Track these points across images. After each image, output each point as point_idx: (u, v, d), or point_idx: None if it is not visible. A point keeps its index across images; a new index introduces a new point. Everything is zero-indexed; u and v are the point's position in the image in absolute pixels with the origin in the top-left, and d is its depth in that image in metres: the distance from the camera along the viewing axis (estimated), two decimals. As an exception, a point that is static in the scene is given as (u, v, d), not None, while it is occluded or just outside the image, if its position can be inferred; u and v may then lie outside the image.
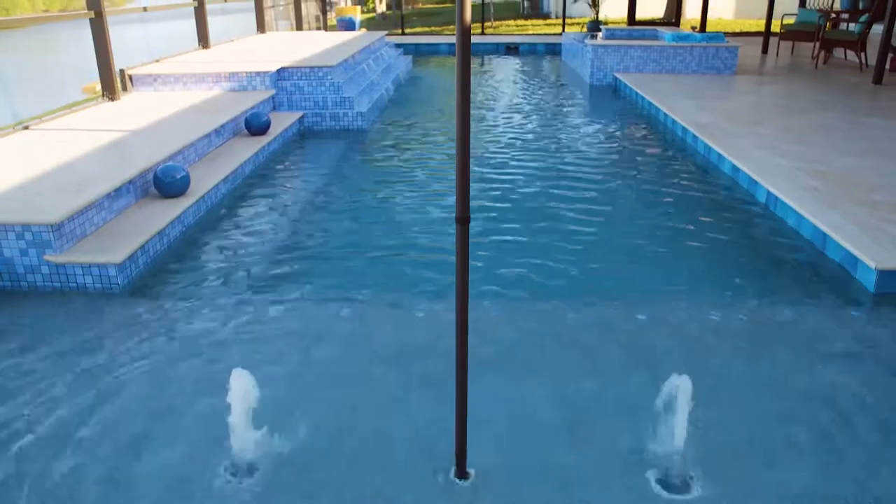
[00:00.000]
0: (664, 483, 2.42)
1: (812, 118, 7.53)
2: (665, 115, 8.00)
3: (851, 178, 5.29)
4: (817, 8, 13.21)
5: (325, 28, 17.95)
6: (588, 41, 11.65)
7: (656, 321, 3.56)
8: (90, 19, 6.92)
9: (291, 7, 15.55)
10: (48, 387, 2.97)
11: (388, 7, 29.78)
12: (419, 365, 3.16)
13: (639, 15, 15.87)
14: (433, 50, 16.05)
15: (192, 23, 10.09)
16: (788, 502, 2.34)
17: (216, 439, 2.62)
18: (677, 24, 17.01)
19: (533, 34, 18.97)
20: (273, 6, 14.68)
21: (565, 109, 9.35)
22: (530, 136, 7.63)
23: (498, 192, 5.65)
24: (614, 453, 2.58)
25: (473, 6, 17.94)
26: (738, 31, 18.62)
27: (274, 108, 8.15)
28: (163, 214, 4.62)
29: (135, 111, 6.85)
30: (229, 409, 2.59)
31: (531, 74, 12.72)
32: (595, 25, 15.11)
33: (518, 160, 6.65)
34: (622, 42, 11.37)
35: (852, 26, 11.63)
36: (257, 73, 8.01)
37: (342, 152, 7.17)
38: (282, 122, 7.53)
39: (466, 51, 1.86)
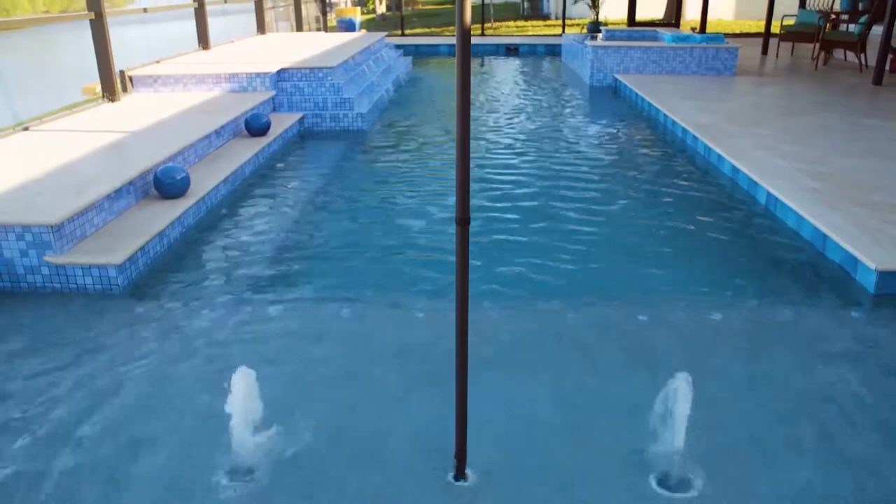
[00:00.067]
0: (664, 483, 2.42)
1: (812, 119, 7.54)
2: (665, 116, 8.01)
3: (851, 179, 5.29)
4: (817, 9, 13.22)
5: (325, 29, 17.96)
6: (588, 42, 11.65)
7: (656, 321, 3.56)
8: (90, 20, 6.93)
9: (291, 8, 15.56)
10: (48, 387, 2.97)
11: (388, 8, 29.79)
12: (419, 365, 3.16)
13: (639, 16, 15.88)
14: (433, 51, 16.05)
15: (193, 24, 10.09)
16: (788, 502, 2.34)
17: (216, 439, 2.62)
18: (677, 25, 17.02)
19: (533, 35, 18.98)
20: (273, 7, 14.69)
21: (565, 110, 9.35)
22: (530, 137, 7.63)
23: (498, 193, 5.66)
24: (614, 453, 2.58)
25: (473, 7, 17.95)
26: (737, 32, 18.62)
27: (274, 109, 8.16)
28: (163, 215, 4.62)
29: (135, 112, 6.85)
30: (229, 410, 2.59)
31: (531, 75, 12.72)
32: (595, 26, 15.12)
33: (518, 161, 6.65)
34: (622, 43, 11.37)
35: (852, 27, 11.63)
36: (257, 74, 8.02)
37: (342, 153, 7.18)
38: (282, 123, 7.54)
39: (466, 52, 1.86)
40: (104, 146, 5.47)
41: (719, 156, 6.19)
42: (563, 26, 17.32)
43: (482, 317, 3.58)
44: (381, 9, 29.57)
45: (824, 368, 3.12)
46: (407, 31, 19.12)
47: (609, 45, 11.19)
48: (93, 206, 4.25)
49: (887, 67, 10.13)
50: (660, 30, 12.97)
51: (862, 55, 11.03)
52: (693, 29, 14.79)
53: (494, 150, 7.03)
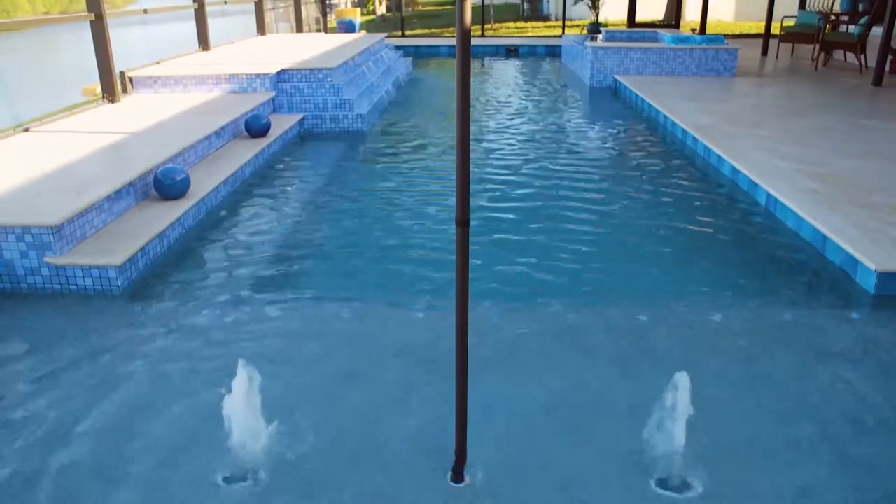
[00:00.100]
0: (664, 483, 2.42)
1: (812, 120, 7.54)
2: (665, 116, 8.01)
3: (851, 180, 5.29)
4: (817, 10, 13.22)
5: (325, 30, 17.97)
6: (588, 43, 11.66)
7: (656, 321, 3.56)
8: (90, 21, 6.94)
9: (291, 9, 15.57)
10: (48, 388, 2.97)
11: (388, 9, 29.81)
12: (419, 365, 3.16)
13: (639, 17, 15.89)
14: (433, 52, 16.06)
15: (193, 25, 10.10)
16: (788, 503, 2.34)
17: (216, 440, 2.62)
18: (677, 26, 17.03)
19: (533, 36, 18.99)
20: (273, 8, 14.70)
21: (565, 111, 9.35)
22: (530, 138, 7.64)
23: (498, 193, 5.66)
24: (614, 453, 2.58)
25: (473, 8, 17.96)
26: (737, 33, 18.64)
27: (274, 111, 8.16)
28: (163, 216, 4.62)
29: (135, 113, 6.86)
30: (229, 410, 2.59)
31: (531, 76, 12.73)
32: (595, 27, 15.13)
33: (518, 161, 6.65)
34: (622, 44, 11.38)
35: (852, 28, 11.64)
36: (257, 76, 8.02)
37: (342, 154, 7.18)
38: (282, 124, 7.54)
39: (466, 53, 1.87)
40: (104, 147, 5.47)
41: (719, 157, 6.19)
42: (563, 27, 17.33)
43: (482, 317, 3.58)
44: (381, 10, 29.59)
45: (824, 369, 3.12)
46: (407, 32, 19.13)
47: (609, 46, 11.19)
48: (93, 207, 4.25)
49: (887, 68, 10.14)
50: (660, 31, 12.98)
51: (862, 56, 11.04)
52: (693, 30, 14.80)
53: (494, 151, 7.03)
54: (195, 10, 9.96)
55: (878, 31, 10.17)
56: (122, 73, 7.73)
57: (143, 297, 3.86)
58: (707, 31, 15.06)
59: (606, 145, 7.43)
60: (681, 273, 4.21)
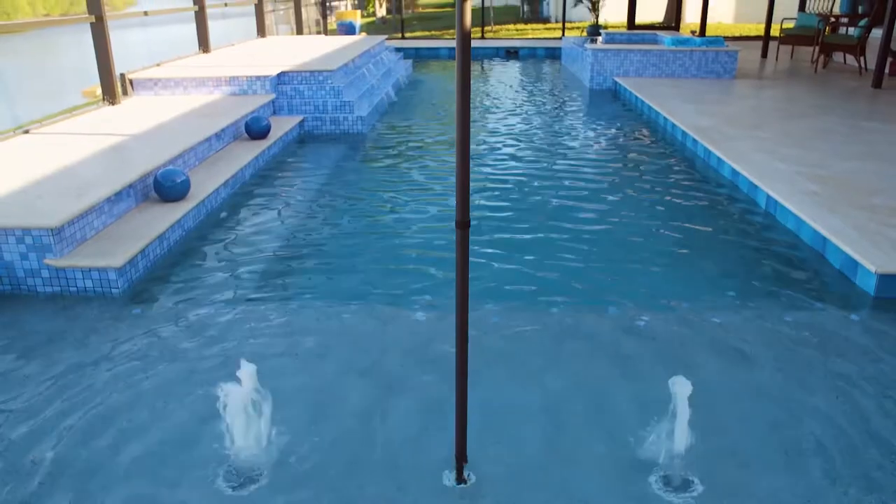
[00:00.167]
0: (664, 485, 2.41)
1: (811, 122, 7.55)
2: (665, 118, 8.02)
3: (851, 182, 5.29)
4: (817, 12, 13.24)
5: (326, 32, 17.99)
6: (588, 45, 11.67)
7: (656, 323, 3.56)
8: (91, 23, 6.94)
9: (292, 11, 15.59)
10: (47, 389, 2.97)
11: (389, 11, 29.84)
12: (419, 366, 3.16)
13: (638, 19, 15.90)
14: (433, 54, 16.07)
15: (193, 27, 10.11)
16: (789, 506, 2.34)
17: (214, 445, 2.62)
18: (677, 28, 17.04)
19: (533, 38, 19.01)
20: (273, 10, 14.71)
21: (565, 113, 9.36)
22: (530, 140, 7.64)
23: (498, 195, 5.66)
24: (615, 455, 2.58)
25: (473, 10, 17.98)
26: (737, 35, 18.65)
27: (274, 112, 8.17)
28: (163, 218, 4.62)
29: (135, 115, 6.86)
30: (228, 412, 2.59)
31: (531, 79, 12.74)
32: (595, 30, 15.16)
33: (518, 163, 6.66)
34: (622, 46, 11.39)
35: (851, 30, 11.65)
36: (258, 78, 8.03)
37: (342, 156, 7.18)
38: (282, 126, 7.55)
39: (466, 55, 1.87)
40: (104, 149, 5.47)
41: (719, 159, 6.19)
42: (563, 29, 17.34)
43: (482, 318, 3.58)
44: (382, 12, 29.62)
45: (824, 371, 3.12)
46: (407, 35, 19.14)
47: (609, 49, 11.20)
48: (93, 209, 4.25)
49: (887, 70, 10.14)
50: (659, 33, 12.99)
51: (861, 58, 11.05)
52: (693, 32, 14.81)
53: (494, 153, 7.04)
54: (195, 12, 9.97)
55: (877, 34, 10.18)
56: (122, 75, 7.74)
57: (142, 299, 3.86)
58: (707, 34, 15.07)
59: (606, 147, 7.44)
60: (680, 274, 4.21)
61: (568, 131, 8.20)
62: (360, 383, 3.05)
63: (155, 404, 2.89)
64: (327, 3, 19.03)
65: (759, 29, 17.61)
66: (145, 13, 8.99)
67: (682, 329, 3.52)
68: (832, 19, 12.47)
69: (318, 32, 17.86)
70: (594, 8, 17.14)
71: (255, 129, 6.91)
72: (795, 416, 2.81)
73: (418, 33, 21.89)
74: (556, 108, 9.68)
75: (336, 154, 7.28)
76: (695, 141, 6.89)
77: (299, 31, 15.60)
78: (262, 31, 12.92)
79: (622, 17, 16.81)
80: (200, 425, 2.74)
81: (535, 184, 6.01)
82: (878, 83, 9.76)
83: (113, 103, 7.31)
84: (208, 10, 10.17)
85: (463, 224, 2.06)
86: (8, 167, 4.92)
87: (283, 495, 2.39)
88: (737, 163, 5.85)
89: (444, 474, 2.47)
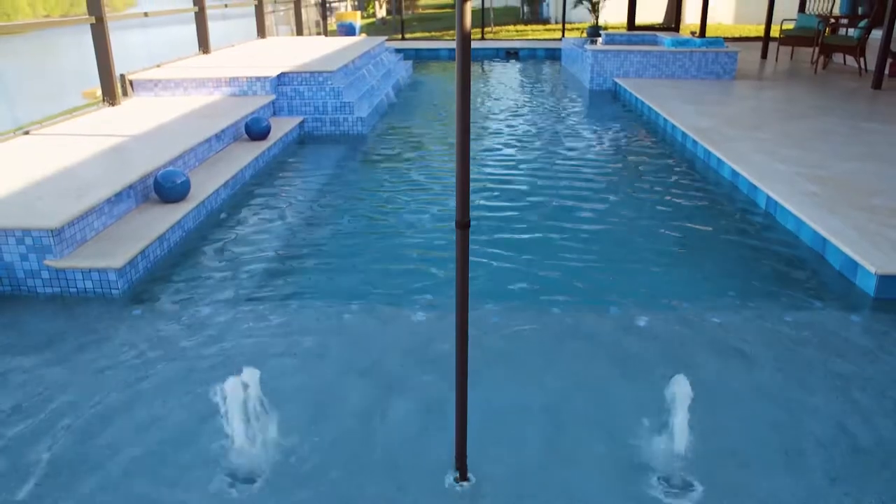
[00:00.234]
0: (664, 487, 2.41)
1: (811, 123, 7.55)
2: (665, 119, 8.02)
3: (851, 182, 5.29)
4: (817, 13, 13.25)
5: (326, 33, 17.99)
6: (588, 46, 11.68)
7: (656, 324, 3.56)
8: (91, 24, 6.95)
9: (292, 12, 15.59)
10: (48, 391, 2.97)
11: (389, 12, 29.86)
12: (419, 367, 3.16)
13: (638, 20, 15.91)
14: (433, 55, 16.08)
15: (193, 28, 10.11)
16: (789, 507, 2.34)
17: (215, 445, 2.62)
18: (677, 29, 17.05)
19: (533, 39, 19.01)
20: (273, 11, 14.72)
21: (565, 114, 9.36)
22: (530, 141, 7.64)
23: (498, 195, 5.66)
24: (615, 456, 2.58)
25: (473, 11, 17.99)
26: (737, 36, 18.66)
27: (274, 113, 8.17)
28: (163, 219, 4.62)
29: (135, 116, 6.86)
30: (228, 416, 2.59)
31: (531, 79, 12.74)
32: (595, 31, 15.15)
33: (518, 164, 6.66)
34: (622, 47, 11.40)
35: (851, 31, 11.66)
36: (258, 78, 8.03)
37: (342, 157, 7.18)
38: (282, 127, 7.55)
39: (466, 56, 1.87)
40: (104, 150, 5.47)
41: (719, 159, 6.19)
42: (563, 30, 17.35)
43: (482, 318, 3.58)
44: (382, 13, 29.64)
45: (824, 371, 3.12)
46: (407, 35, 19.15)
47: (609, 50, 11.21)
48: (93, 209, 4.25)
49: (886, 71, 10.15)
50: (659, 34, 12.99)
51: (861, 59, 11.05)
52: (693, 33, 14.83)
53: (495, 153, 7.04)
54: (195, 13, 9.98)
55: (877, 35, 10.18)
56: (122, 76, 7.74)
57: (143, 300, 3.86)
58: (707, 35, 15.07)
59: (606, 148, 7.44)
60: (680, 274, 4.21)
61: (568, 132, 8.20)
62: (360, 383, 3.05)
63: (155, 404, 2.89)
64: (327, 4, 19.04)
65: (759, 30, 17.62)
66: (145, 14, 9.00)
67: (683, 329, 3.52)
68: (832, 20, 12.48)
69: (319, 33, 17.87)
70: (594, 9, 17.14)
71: (255, 130, 6.92)
72: (795, 416, 2.81)
73: (418, 34, 21.89)
74: (556, 109, 9.68)
75: (336, 155, 7.28)
76: (695, 142, 6.89)
77: (299, 32, 15.61)
78: (262, 31, 12.92)
79: (622, 18, 16.82)
80: (200, 425, 2.74)
81: (536, 184, 6.01)
82: (877, 84, 9.76)
83: (113, 104, 7.31)
84: (208, 11, 10.18)
85: (463, 224, 2.06)
86: (8, 168, 4.92)
87: (283, 495, 2.40)
88: (737, 164, 5.85)
89: (444, 474, 2.47)
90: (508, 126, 8.43)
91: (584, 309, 3.77)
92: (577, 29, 18.45)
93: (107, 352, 3.30)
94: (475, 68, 14.20)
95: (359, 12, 21.71)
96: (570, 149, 7.33)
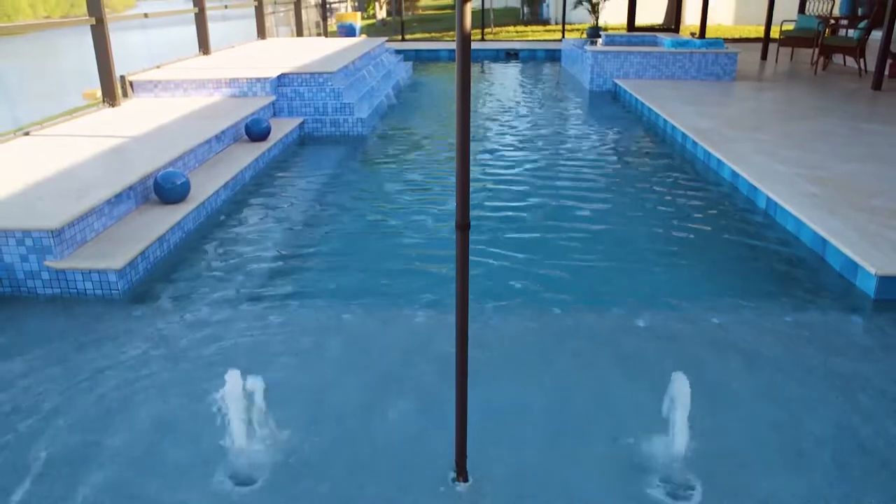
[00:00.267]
0: (665, 488, 2.41)
1: (811, 124, 7.55)
2: (665, 120, 8.02)
3: (851, 183, 5.29)
4: (816, 14, 13.25)
5: (326, 34, 18.00)
6: (588, 47, 11.68)
7: (656, 325, 3.56)
8: (91, 25, 6.95)
9: (292, 13, 15.60)
10: (47, 391, 2.97)
11: (389, 13, 29.87)
12: (419, 368, 3.16)
13: (638, 21, 15.91)
14: (433, 56, 16.09)
15: (193, 29, 10.12)
16: (789, 508, 2.34)
17: (215, 446, 2.62)
18: (677, 30, 17.05)
19: (533, 40, 19.02)
20: (273, 12, 14.73)
21: (565, 115, 9.37)
22: (530, 142, 7.65)
23: (498, 195, 5.67)
24: (615, 457, 2.58)
25: (473, 12, 17.99)
26: (737, 37, 18.66)
27: (274, 114, 8.17)
28: (163, 220, 4.62)
29: (135, 117, 6.86)
30: (228, 416, 2.59)
31: (531, 80, 12.75)
32: (595, 31, 15.16)
33: (518, 166, 6.66)
34: (622, 48, 11.40)
35: (851, 32, 11.66)
36: (258, 79, 8.03)
37: (342, 158, 7.19)
38: (282, 128, 7.55)
39: (466, 57, 1.87)
40: (105, 151, 5.47)
41: (719, 161, 6.20)
42: (563, 31, 17.35)
43: (482, 319, 3.58)
44: (382, 14, 29.65)
45: (824, 374, 3.12)
46: (407, 36, 19.16)
47: (609, 51, 11.21)
48: (93, 210, 4.25)
49: (886, 72, 10.15)
50: (659, 35, 12.99)
51: (861, 60, 11.06)
52: (693, 34, 14.83)
53: (494, 155, 7.04)
54: (196, 14, 9.98)
55: (877, 35, 10.18)
56: (122, 77, 7.74)
57: (143, 301, 3.86)
58: (707, 35, 15.08)
59: (606, 149, 7.44)
60: (680, 275, 4.21)
61: (568, 133, 8.21)
62: (360, 383, 3.05)
63: (155, 405, 2.89)
64: (327, 5, 19.04)
65: (759, 31, 17.63)
66: (145, 15, 9.00)
67: (683, 329, 3.52)
68: (832, 21, 12.49)
69: (319, 34, 17.88)
70: (594, 10, 17.15)
71: (255, 131, 6.92)
72: (795, 416, 2.81)
73: (418, 35, 21.90)
74: (556, 110, 9.69)
75: (336, 156, 7.28)
76: (695, 143, 6.89)
77: (299, 33, 15.62)
78: (262, 33, 12.93)
79: (622, 19, 16.82)
80: (200, 426, 2.74)
81: (536, 184, 6.01)
82: (877, 85, 9.76)
83: (113, 105, 7.31)
84: (208, 13, 10.18)
85: (463, 226, 2.06)
86: (8, 169, 4.92)
87: (283, 495, 2.39)
88: (737, 164, 5.85)
89: (444, 474, 2.47)
90: (508, 127, 8.43)
91: (584, 309, 3.77)
92: (577, 30, 18.46)
93: (107, 352, 3.30)
94: (475, 69, 14.20)
95: (359, 13, 21.72)
96: (571, 150, 7.33)
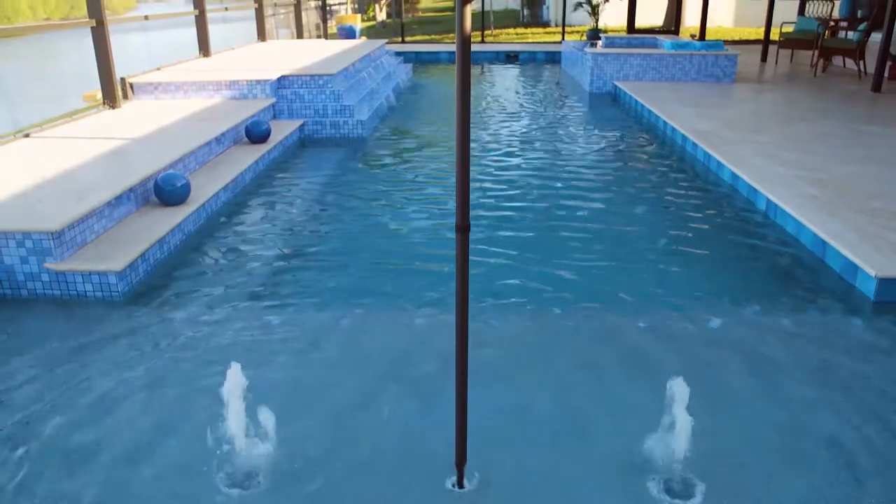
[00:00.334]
0: (665, 490, 2.41)
1: (811, 126, 7.56)
2: (665, 122, 8.02)
3: (851, 185, 5.30)
4: (816, 16, 13.26)
5: (326, 36, 18.02)
6: (588, 49, 11.69)
7: (656, 327, 3.56)
8: (91, 28, 6.95)
9: (292, 15, 15.61)
10: (48, 393, 2.97)
11: (389, 15, 29.90)
12: (419, 372, 3.16)
13: (638, 23, 15.93)
14: (433, 58, 16.10)
15: (193, 31, 10.12)
16: (789, 509, 2.34)
17: (215, 448, 2.61)
18: (677, 32, 17.07)
19: (533, 42, 19.04)
20: (273, 15, 14.74)
21: (565, 117, 9.37)
22: (530, 143, 7.65)
23: (498, 196, 5.67)
24: (615, 460, 2.58)
25: (473, 14, 18.00)
26: (737, 39, 18.68)
27: (274, 117, 8.18)
28: (163, 222, 4.63)
29: (135, 119, 6.87)
30: (228, 418, 2.59)
31: (531, 82, 12.76)
32: (595, 34, 15.17)
33: (517, 168, 6.66)
34: (622, 50, 11.41)
35: (851, 34, 11.68)
36: (258, 82, 8.04)
37: (342, 160, 7.19)
38: (282, 130, 7.56)
39: (466, 59, 1.87)
40: (105, 153, 5.48)
41: (719, 162, 6.20)
42: (563, 33, 17.37)
43: (482, 322, 3.58)
44: (382, 16, 29.68)
45: (824, 376, 3.12)
46: (407, 39, 19.18)
47: (609, 53, 11.22)
48: (93, 212, 4.25)
49: (886, 74, 10.15)
50: (659, 37, 13.01)
51: (861, 62, 11.07)
52: (692, 36, 14.84)
53: (495, 157, 7.04)
54: (196, 16, 9.99)
55: (876, 37, 10.19)
56: (122, 79, 7.75)
57: (143, 303, 3.86)
58: (706, 37, 15.09)
59: (606, 150, 7.45)
60: (680, 277, 4.21)
61: (568, 134, 8.21)
62: (360, 384, 3.05)
63: (155, 405, 2.89)
64: (327, 7, 19.06)
65: (759, 33, 17.65)
66: (146, 17, 9.02)
67: (683, 329, 3.52)
68: (831, 23, 12.50)
69: (319, 36, 17.89)
70: (594, 12, 17.17)
71: (255, 133, 6.92)
72: (795, 416, 2.81)
73: (418, 37, 21.92)
74: (556, 112, 9.69)
75: (336, 158, 7.29)
76: (694, 145, 6.89)
77: (300, 35, 15.63)
78: (262, 35, 12.94)
79: (622, 21, 16.84)
80: (200, 426, 2.74)
81: (536, 185, 6.02)
82: (877, 87, 9.77)
83: (113, 107, 7.32)
84: (209, 15, 10.19)
85: (463, 228, 2.06)
86: (8, 171, 4.93)
87: (282, 495, 2.39)
88: (736, 166, 5.86)
89: (444, 475, 2.47)
90: (508, 129, 8.44)
91: (584, 309, 3.77)
92: (577, 32, 18.48)
93: (107, 353, 3.30)
94: (475, 71, 14.22)
95: (359, 15, 21.73)
96: (570, 151, 7.34)
